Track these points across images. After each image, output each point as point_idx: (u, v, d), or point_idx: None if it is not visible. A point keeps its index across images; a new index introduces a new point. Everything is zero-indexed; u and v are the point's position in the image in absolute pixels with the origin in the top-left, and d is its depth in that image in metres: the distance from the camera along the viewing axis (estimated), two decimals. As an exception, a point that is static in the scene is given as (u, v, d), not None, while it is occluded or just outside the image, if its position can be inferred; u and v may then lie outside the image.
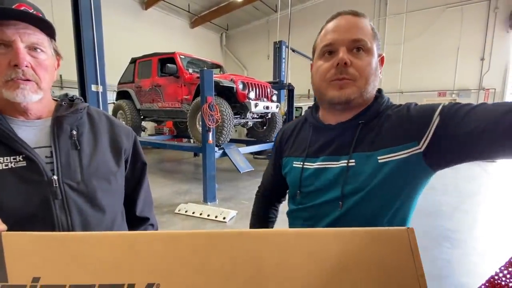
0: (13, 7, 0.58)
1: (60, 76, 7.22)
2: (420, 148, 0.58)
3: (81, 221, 0.65)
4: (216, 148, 4.20)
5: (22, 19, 0.58)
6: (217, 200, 4.15)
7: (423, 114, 0.59)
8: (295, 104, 6.87)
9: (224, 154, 4.38)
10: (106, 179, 0.72)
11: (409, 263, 0.39)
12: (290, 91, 6.27)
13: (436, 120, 0.56)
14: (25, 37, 0.58)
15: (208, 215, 3.51)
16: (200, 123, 4.30)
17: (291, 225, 0.79)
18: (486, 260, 2.39)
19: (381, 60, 0.68)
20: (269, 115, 5.62)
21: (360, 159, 0.63)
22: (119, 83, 6.18)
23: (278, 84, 6.30)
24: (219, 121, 4.06)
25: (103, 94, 3.19)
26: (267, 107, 4.99)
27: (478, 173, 6.01)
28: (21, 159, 0.59)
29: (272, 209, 0.98)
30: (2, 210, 0.47)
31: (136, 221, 0.86)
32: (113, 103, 6.27)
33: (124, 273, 0.39)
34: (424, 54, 9.09)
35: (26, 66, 0.58)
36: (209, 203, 3.99)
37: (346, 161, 0.64)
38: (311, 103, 8.46)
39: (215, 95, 4.01)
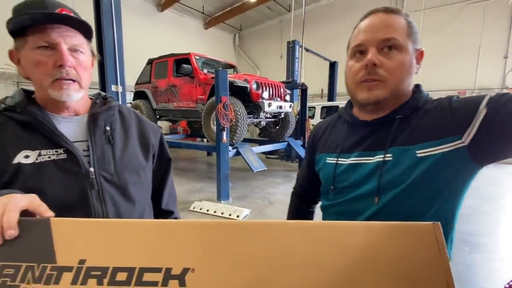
0: (56, 11, 0.63)
1: (81, 77, 7.50)
2: (463, 142, 0.55)
3: (114, 211, 0.70)
4: (230, 147, 4.26)
5: (64, 23, 0.64)
6: (230, 199, 4.20)
7: (466, 107, 0.57)
8: (308, 104, 6.82)
9: (238, 153, 4.43)
10: (136, 172, 0.77)
11: (435, 258, 0.39)
12: (304, 90, 6.24)
13: (482, 112, 0.53)
14: (68, 39, 0.64)
15: (222, 213, 3.56)
16: (215, 122, 4.37)
17: (325, 219, 0.79)
18: (507, 265, 2.30)
19: (420, 55, 0.65)
20: (282, 115, 5.62)
21: (397, 153, 0.62)
22: (136, 83, 6.36)
23: (291, 83, 6.28)
24: (233, 120, 4.11)
25: (123, 94, 3.31)
26: (281, 107, 5.00)
27: (501, 176, 5.76)
28: (62, 152, 0.65)
29: (308, 211, 0.97)
30: (45, 198, 0.51)
31: (161, 214, 0.90)
32: (130, 103, 6.46)
33: (161, 257, 0.42)
34: (443, 52, 8.78)
35: (69, 67, 0.64)
36: (222, 201, 4.05)
37: (382, 156, 0.64)
38: (324, 103, 8.41)
39: (229, 95, 4.07)
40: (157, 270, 0.41)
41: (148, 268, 0.41)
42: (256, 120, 5.12)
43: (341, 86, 9.82)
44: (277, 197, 4.39)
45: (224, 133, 4.00)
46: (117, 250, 0.43)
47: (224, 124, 3.92)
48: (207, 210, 3.66)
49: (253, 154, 4.64)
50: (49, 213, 0.49)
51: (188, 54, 5.18)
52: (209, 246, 0.42)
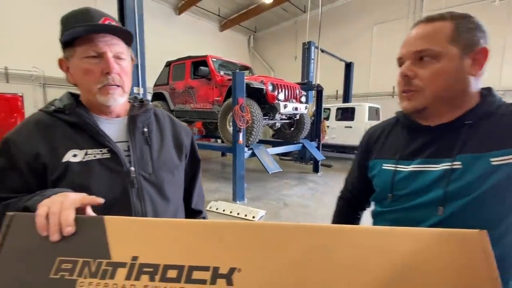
0: (101, 21, 0.67)
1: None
2: None
3: (152, 209, 0.73)
4: (246, 149, 4.29)
5: (109, 32, 0.68)
6: (245, 199, 4.23)
7: None
8: (323, 105, 6.76)
9: (253, 154, 4.46)
10: (171, 172, 0.80)
11: (481, 265, 0.39)
12: (319, 92, 6.19)
13: None
14: (112, 47, 0.68)
15: (238, 214, 3.59)
16: (231, 123, 4.41)
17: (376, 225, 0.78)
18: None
19: (480, 55, 0.61)
20: (297, 116, 5.60)
21: (467, 161, 0.59)
22: (155, 85, 6.53)
23: (306, 85, 6.25)
24: (249, 122, 4.14)
25: (144, 96, 3.42)
26: (296, 108, 4.99)
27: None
28: (106, 152, 0.69)
29: (356, 217, 0.94)
30: (91, 195, 0.55)
31: (190, 214, 0.93)
32: (149, 104, 6.63)
33: (209, 256, 0.44)
34: None
35: (115, 74, 0.68)
36: (238, 202, 4.08)
37: (449, 163, 0.61)
38: (339, 104, 8.30)
39: (245, 96, 4.11)
40: (205, 268, 0.43)
41: (197, 266, 0.43)
42: (271, 122, 5.13)
43: (356, 87, 9.71)
44: (292, 199, 4.37)
45: (240, 135, 4.03)
46: (167, 248, 0.45)
47: (240, 126, 3.95)
48: (223, 210, 3.70)
49: (268, 155, 4.65)
50: (99, 199, 0.54)
51: (205, 56, 5.27)
52: (255, 247, 0.44)
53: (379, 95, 9.81)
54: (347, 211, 0.95)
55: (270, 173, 4.43)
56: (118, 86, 0.69)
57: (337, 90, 10.47)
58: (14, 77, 6.52)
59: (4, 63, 6.36)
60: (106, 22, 0.68)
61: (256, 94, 4.55)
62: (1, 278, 0.44)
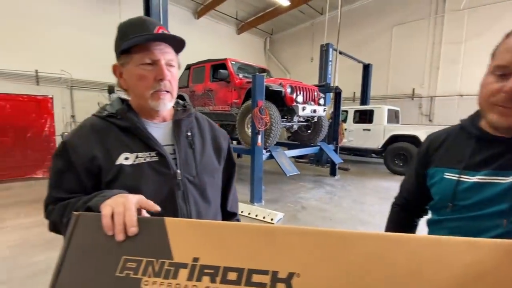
0: (155, 30, 0.70)
1: (124, 81, 8.08)
2: None
3: (195, 210, 0.75)
4: (264, 151, 4.30)
5: (166, 40, 0.71)
6: (263, 201, 4.24)
7: None
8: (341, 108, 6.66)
9: (271, 156, 4.46)
10: (212, 174, 0.82)
11: None
12: (337, 94, 6.11)
13: None
14: (165, 55, 0.71)
15: (256, 215, 3.61)
16: (249, 126, 4.44)
17: (432, 234, 0.77)
18: None
19: None
20: (315, 119, 5.55)
21: None
22: (174, 87, 6.67)
23: (324, 87, 6.19)
24: (268, 124, 4.15)
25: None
26: (314, 111, 4.94)
27: None
28: (154, 155, 0.72)
29: (413, 224, 0.92)
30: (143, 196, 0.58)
31: (226, 216, 0.95)
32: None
33: (267, 260, 0.44)
34: (488, 53, 8.02)
35: (167, 80, 0.71)
36: (255, 204, 4.10)
37: None
38: (357, 107, 8.15)
39: (264, 99, 4.12)
40: (265, 272, 0.43)
41: (256, 270, 0.44)
42: (288, 124, 5.12)
43: (374, 89, 9.50)
44: (309, 202, 4.34)
45: (259, 137, 4.05)
46: (226, 251, 0.46)
47: (259, 128, 3.97)
48: (241, 212, 3.72)
49: (286, 157, 4.64)
50: (156, 207, 0.55)
51: (225, 59, 5.34)
52: (313, 253, 0.44)
53: (398, 97, 9.55)
54: (403, 218, 0.93)
55: (288, 175, 4.42)
56: (168, 92, 0.73)
57: (354, 92, 10.28)
58: (43, 79, 6.89)
59: (35, 66, 6.74)
60: (160, 31, 0.71)
61: (275, 97, 4.56)
62: (68, 274, 0.46)
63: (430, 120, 8.98)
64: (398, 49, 9.54)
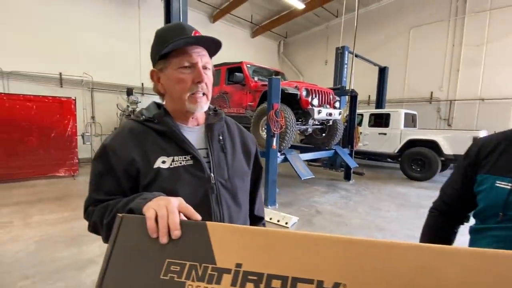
0: (192, 34, 0.72)
1: (142, 84, 8.31)
2: None
3: (227, 214, 0.76)
4: (278, 153, 4.29)
5: (203, 43, 0.73)
6: (277, 205, 4.22)
7: None
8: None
9: (286, 159, 4.45)
10: (242, 178, 0.83)
11: None
12: (353, 97, 6.02)
13: None
14: (202, 58, 0.73)
15: (271, 218, 3.60)
16: (263, 128, 4.45)
17: (474, 243, 0.76)
18: None
19: None
20: (330, 122, 5.50)
21: None
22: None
23: (340, 90, 6.12)
24: (283, 127, 4.14)
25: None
26: (330, 114, 4.90)
27: None
28: (189, 158, 0.73)
29: (453, 231, 0.89)
30: None
31: (253, 220, 0.95)
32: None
33: (312, 269, 0.43)
34: (511, 56, 7.69)
35: (204, 83, 0.73)
36: (269, 207, 4.09)
37: None
38: (372, 110, 7.99)
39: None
40: (309, 281, 0.42)
41: (301, 278, 0.42)
42: (303, 127, 5.09)
43: (390, 92, 9.29)
44: (323, 207, 4.28)
45: (274, 140, 4.05)
46: (269, 258, 0.45)
47: (275, 131, 3.97)
48: (256, 215, 3.73)
49: (300, 161, 4.61)
50: (197, 215, 0.55)
51: (240, 63, 5.39)
52: (360, 264, 0.42)
53: (415, 101, 9.30)
54: (442, 224, 0.90)
55: (302, 179, 4.39)
56: (204, 94, 0.74)
57: (369, 95, 10.11)
58: (67, 82, 7.19)
59: (59, 69, 7.05)
60: (206, 36, 0.72)
61: (290, 99, 4.55)
62: (114, 275, 0.47)
63: (449, 125, 8.69)
64: (415, 52, 9.32)
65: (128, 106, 7.42)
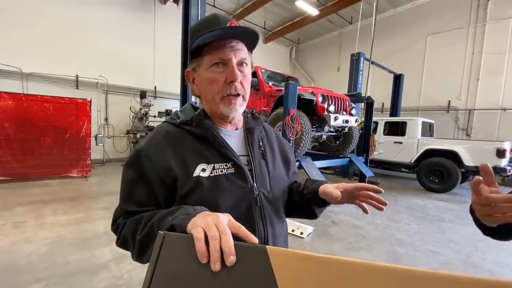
0: (228, 25, 0.62)
1: (155, 87, 8.39)
2: None
3: (271, 230, 0.66)
4: (293, 160, 4.18)
5: (236, 36, 0.63)
6: (290, 213, 4.10)
7: None
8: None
9: (300, 166, 4.33)
10: (283, 189, 0.74)
11: None
12: (369, 104, 5.88)
13: None
14: (237, 53, 0.63)
15: (285, 228, 3.48)
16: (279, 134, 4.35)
17: None
18: None
19: None
20: (346, 129, 5.36)
21: None
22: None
23: (355, 97, 5.99)
24: (299, 133, 4.05)
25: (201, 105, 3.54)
26: (346, 121, 4.77)
27: None
28: (230, 166, 0.64)
29: None
30: (219, 211, 0.48)
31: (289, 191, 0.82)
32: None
33: None
34: None
35: (238, 82, 0.63)
36: (283, 215, 3.97)
37: None
38: (387, 118, 7.79)
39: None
40: None
41: None
42: (318, 134, 4.97)
43: (405, 101, 9.07)
44: (339, 217, 4.13)
45: (289, 146, 3.95)
46: None
47: (290, 137, 3.88)
48: (269, 223, 3.61)
49: (315, 168, 4.48)
50: (253, 237, 0.44)
51: (255, 67, 5.34)
52: None
53: (431, 109, 9.05)
54: None
55: (317, 187, 4.25)
56: (238, 94, 0.65)
57: (383, 103, 9.90)
58: (82, 84, 7.33)
59: (75, 71, 7.19)
60: (239, 26, 0.63)
61: (305, 105, 4.46)
62: None
63: (467, 135, 8.39)
64: (432, 59, 9.11)
65: (141, 108, 7.49)
